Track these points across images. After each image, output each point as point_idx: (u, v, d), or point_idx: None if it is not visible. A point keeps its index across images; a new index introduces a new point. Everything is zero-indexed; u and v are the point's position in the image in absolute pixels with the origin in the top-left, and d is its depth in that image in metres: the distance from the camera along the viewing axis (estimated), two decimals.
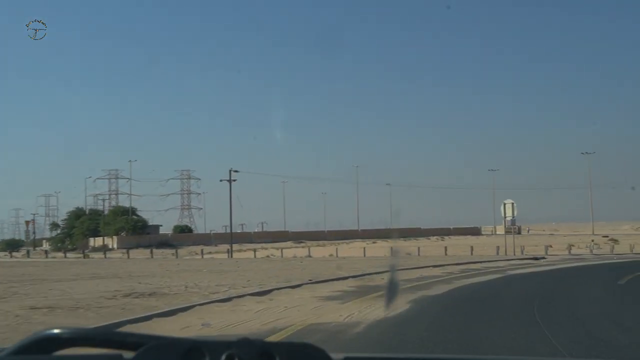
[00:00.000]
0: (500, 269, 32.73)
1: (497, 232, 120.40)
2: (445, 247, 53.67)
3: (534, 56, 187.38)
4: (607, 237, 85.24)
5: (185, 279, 23.95)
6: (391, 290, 6.54)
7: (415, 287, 21.87)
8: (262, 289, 19.38)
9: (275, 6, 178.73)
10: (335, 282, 23.36)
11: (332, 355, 1.64)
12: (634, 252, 54.04)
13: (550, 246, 60.41)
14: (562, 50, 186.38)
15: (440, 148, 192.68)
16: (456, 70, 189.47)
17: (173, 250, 78.62)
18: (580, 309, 15.67)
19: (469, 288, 21.71)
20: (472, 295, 19.25)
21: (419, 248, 55.46)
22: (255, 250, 65.02)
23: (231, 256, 64.16)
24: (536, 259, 41.75)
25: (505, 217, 44.29)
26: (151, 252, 62.66)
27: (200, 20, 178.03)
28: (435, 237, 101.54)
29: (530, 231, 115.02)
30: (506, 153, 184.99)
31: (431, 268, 31.64)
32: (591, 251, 54.51)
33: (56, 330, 1.69)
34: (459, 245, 66.88)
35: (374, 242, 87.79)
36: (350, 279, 24.86)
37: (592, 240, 67.60)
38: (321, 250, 69.26)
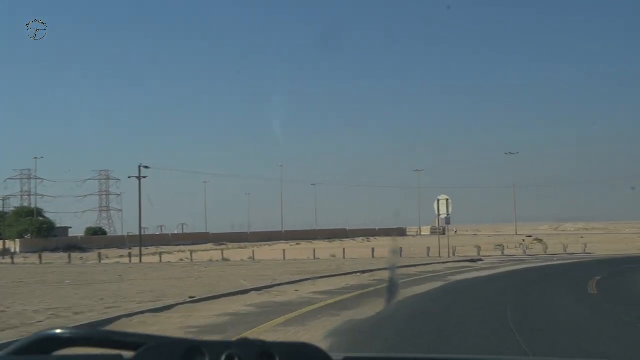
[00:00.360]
0: (438, 274, 26.62)
1: (422, 233, 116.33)
2: (373, 249, 47.48)
3: (465, 56, 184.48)
4: (531, 237, 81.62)
5: (9, 299, 16.47)
6: (391, 290, 6.63)
7: (337, 304, 15.33)
8: (104, 317, 12.37)
9: None
10: (229, 298, 16.52)
11: (332, 355, 1.56)
12: (567, 252, 49.44)
13: (479, 247, 55.36)
14: (492, 51, 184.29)
15: (366, 147, 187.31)
16: (385, 70, 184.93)
17: (80, 254, 70.37)
18: (584, 339, 9.64)
19: (410, 304, 15.30)
20: (420, 318, 12.79)
21: (344, 250, 49.16)
22: (161, 254, 57.29)
23: (140, 260, 56.34)
24: (473, 261, 36.02)
25: (439, 215, 38.34)
26: (40, 257, 53.93)
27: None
28: (361, 238, 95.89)
29: (457, 232, 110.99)
30: (431, 153, 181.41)
31: (359, 275, 25.21)
32: (524, 252, 49.52)
33: (56, 331, 1.64)
34: (386, 247, 61.05)
35: (297, 244, 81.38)
36: (253, 292, 18.06)
37: (524, 241, 63.03)
38: (240, 253, 62.25)
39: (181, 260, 53.34)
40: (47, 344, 1.64)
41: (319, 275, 23.81)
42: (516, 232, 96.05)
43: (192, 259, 48.69)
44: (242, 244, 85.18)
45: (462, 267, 30.92)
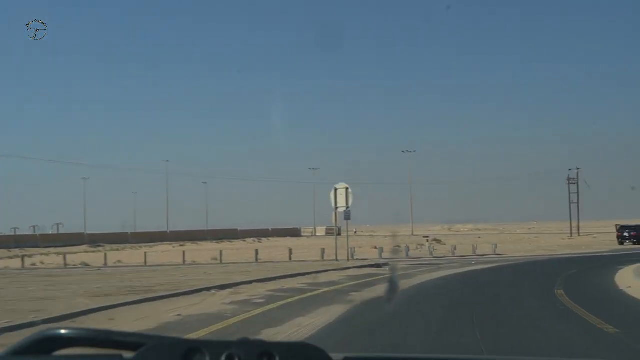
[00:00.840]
0: (336, 287, 17.37)
1: (318, 234, 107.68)
2: (257, 250, 37.76)
3: (369, 51, 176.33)
4: (428, 237, 74.55)
5: None
6: (391, 289, 6.76)
7: None
8: None
9: None
10: None
11: (332, 355, 1.48)
12: (477, 254, 41.76)
13: (382, 248, 46.90)
14: (394, 48, 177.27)
15: (263, 144, 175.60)
16: (283, 68, 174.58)
17: None
18: None
19: None
20: None
21: (221, 252, 39.22)
22: None
23: None
24: (378, 265, 26.97)
25: (336, 208, 29.02)
26: None
27: None
28: (252, 238, 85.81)
29: (357, 232, 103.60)
30: (327, 152, 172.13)
31: (213, 293, 15.44)
32: (431, 253, 41.31)
33: (57, 330, 1.58)
34: (277, 247, 51.94)
35: (181, 245, 70.27)
36: None
37: (427, 241, 55.25)
38: (110, 256, 50.78)
39: (33, 265, 41.54)
40: (47, 343, 1.56)
41: (144, 298, 13.78)
42: (412, 233, 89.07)
43: (24, 265, 37.25)
44: (122, 246, 73.18)
45: (368, 276, 21.74)
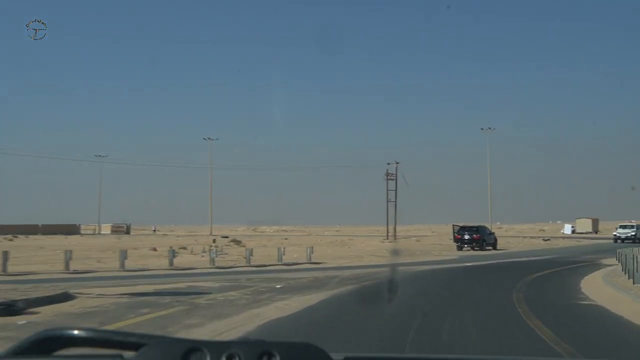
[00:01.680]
0: None
1: (103, 232, 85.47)
2: None
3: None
4: (227, 237, 57.31)
5: None
6: (391, 288, 5.86)
7: None
8: None
9: None
10: None
11: (333, 355, 1.38)
12: (284, 262, 25.29)
13: (155, 250, 28.65)
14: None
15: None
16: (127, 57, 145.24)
17: None
18: None
19: None
20: None
21: None
22: None
23: None
24: (8, 309, 8.66)
25: None
26: None
27: None
28: (7, 235, 61.78)
29: (156, 230, 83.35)
30: (115, 144, 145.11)
31: None
32: (212, 261, 23.69)
33: (57, 330, 1.48)
34: (25, 248, 32.44)
35: None
36: None
37: (214, 242, 37.57)
38: None
39: None
40: (48, 343, 1.46)
41: None
42: (211, 232, 71.06)
43: None
44: None
45: None
